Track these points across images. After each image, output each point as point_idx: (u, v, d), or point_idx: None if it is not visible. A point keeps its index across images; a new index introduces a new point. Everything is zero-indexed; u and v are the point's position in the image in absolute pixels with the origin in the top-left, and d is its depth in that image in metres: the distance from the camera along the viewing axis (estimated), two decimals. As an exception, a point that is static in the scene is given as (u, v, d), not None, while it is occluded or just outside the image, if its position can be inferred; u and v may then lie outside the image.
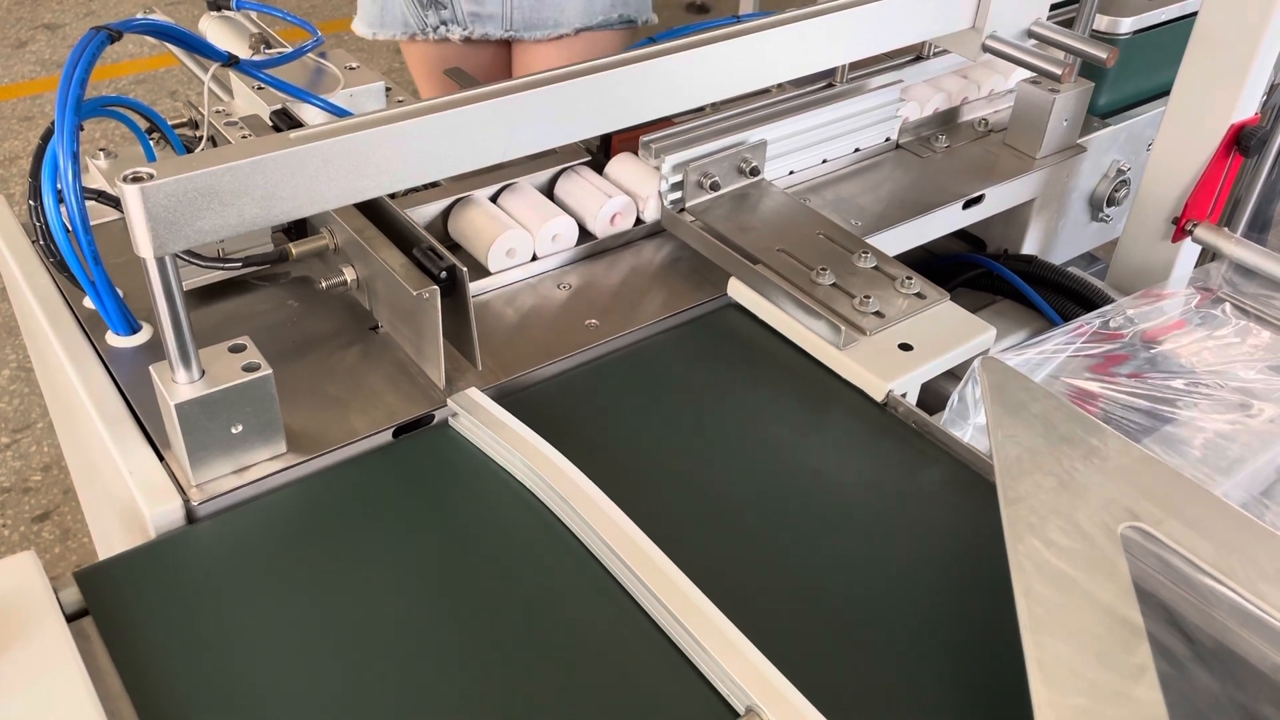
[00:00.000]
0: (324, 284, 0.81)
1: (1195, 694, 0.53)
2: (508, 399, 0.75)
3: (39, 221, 0.77)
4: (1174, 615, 0.56)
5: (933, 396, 0.81)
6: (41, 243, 0.78)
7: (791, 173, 1.02)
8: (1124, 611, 0.52)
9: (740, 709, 0.55)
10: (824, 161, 1.04)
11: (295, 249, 0.82)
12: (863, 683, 0.58)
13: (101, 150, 0.93)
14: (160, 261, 0.61)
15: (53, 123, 0.74)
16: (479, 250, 0.87)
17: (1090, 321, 0.89)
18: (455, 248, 0.90)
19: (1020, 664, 0.51)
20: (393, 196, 0.85)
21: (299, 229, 0.87)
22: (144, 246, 0.60)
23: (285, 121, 0.95)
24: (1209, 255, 1.06)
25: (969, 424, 0.77)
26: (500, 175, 0.92)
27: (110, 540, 0.81)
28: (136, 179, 0.58)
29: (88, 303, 0.81)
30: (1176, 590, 0.57)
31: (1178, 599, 0.57)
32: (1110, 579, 0.54)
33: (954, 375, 0.81)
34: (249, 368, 0.66)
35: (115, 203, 0.83)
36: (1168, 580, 0.58)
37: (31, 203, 0.78)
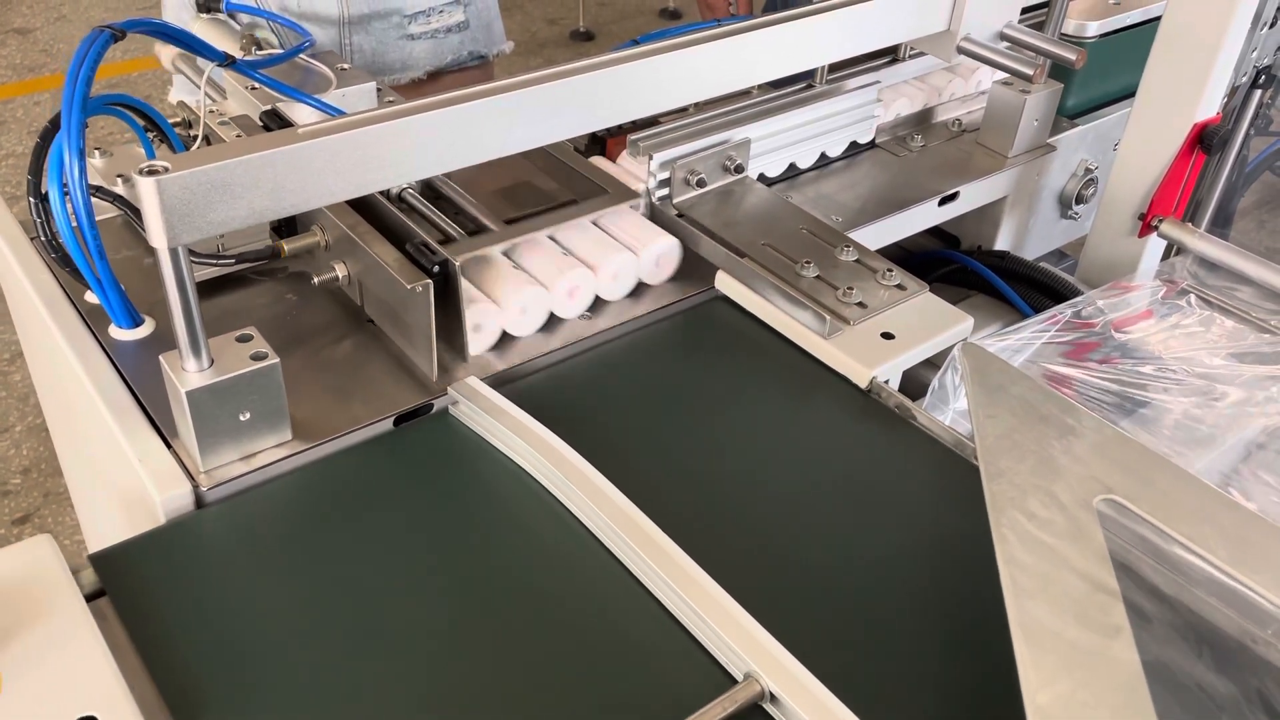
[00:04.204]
0: (316, 280, 0.83)
1: (1167, 653, 0.56)
2: (503, 389, 0.77)
3: (41, 218, 0.79)
4: (1146, 582, 0.59)
5: (912, 384, 0.84)
6: (44, 238, 0.80)
7: (790, 166, 1.05)
8: (1100, 577, 0.56)
9: (739, 675, 0.58)
10: (808, 159, 1.07)
11: (286, 246, 0.83)
12: (853, 649, 0.61)
13: (96, 149, 0.95)
14: (173, 252, 0.63)
15: (53, 120, 0.76)
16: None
17: (1063, 312, 0.93)
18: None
19: (1004, 627, 0.54)
20: (385, 194, 0.87)
21: (290, 227, 0.88)
22: (158, 237, 0.62)
23: (276, 122, 0.96)
24: (1174, 249, 1.10)
25: (949, 409, 0.80)
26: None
27: (110, 532, 0.82)
28: (152, 172, 0.60)
29: (89, 297, 0.83)
30: (1148, 559, 0.60)
31: (1149, 567, 0.60)
32: (1087, 547, 0.57)
33: (933, 364, 0.84)
34: (257, 356, 0.68)
35: (115, 199, 0.85)
36: (1140, 550, 0.61)
37: (32, 199, 0.79)
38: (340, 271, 0.83)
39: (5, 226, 0.92)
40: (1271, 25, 1.32)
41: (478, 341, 0.81)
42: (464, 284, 0.80)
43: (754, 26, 0.84)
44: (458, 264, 0.76)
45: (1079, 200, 1.21)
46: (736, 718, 0.55)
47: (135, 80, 3.35)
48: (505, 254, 0.85)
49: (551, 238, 0.88)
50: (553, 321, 0.85)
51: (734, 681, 0.57)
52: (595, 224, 0.91)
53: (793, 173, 1.07)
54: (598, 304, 0.87)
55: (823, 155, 1.09)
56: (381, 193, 0.85)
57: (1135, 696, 0.49)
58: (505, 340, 0.83)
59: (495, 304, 0.81)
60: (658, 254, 0.88)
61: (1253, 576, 0.59)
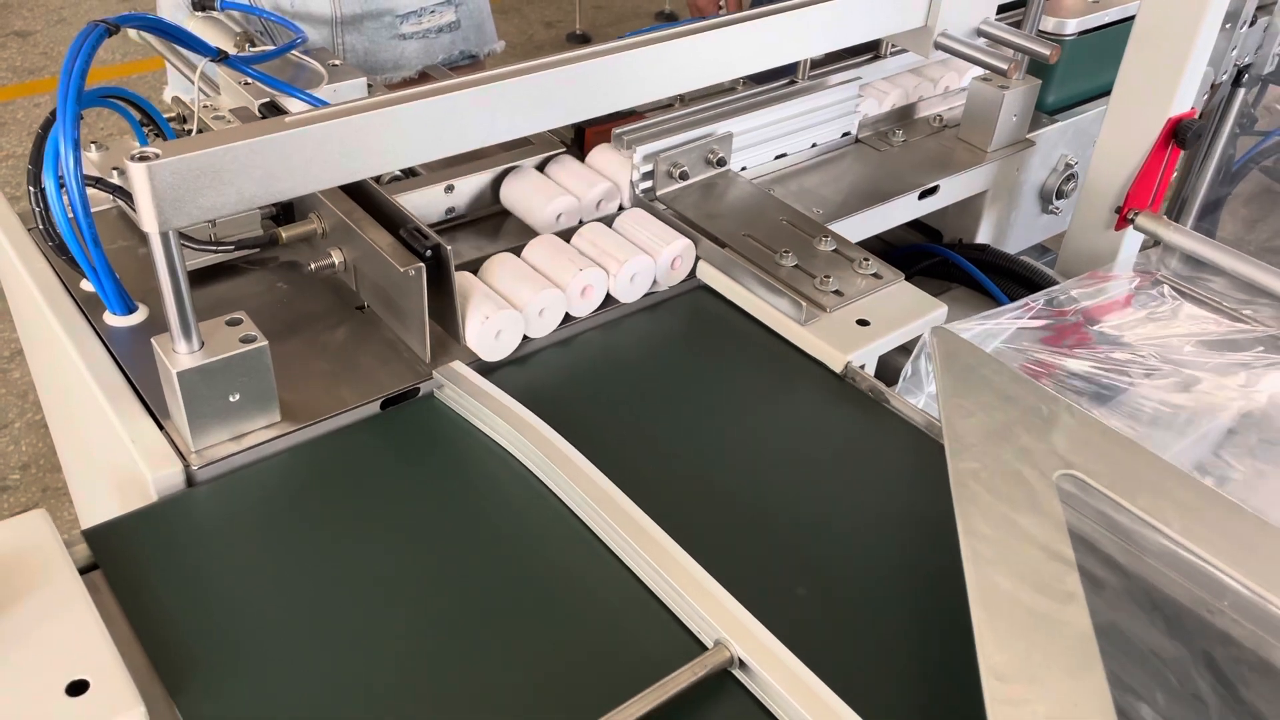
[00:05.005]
0: (312, 266, 0.85)
1: (1121, 619, 0.58)
2: (488, 374, 0.79)
3: (39, 206, 0.81)
4: (1103, 553, 0.61)
5: (888, 370, 0.86)
6: (41, 227, 0.82)
7: (778, 157, 1.07)
8: (1057, 547, 0.58)
9: (709, 643, 0.60)
10: (786, 155, 1.09)
11: (285, 233, 0.86)
12: (821, 618, 0.63)
13: (93, 143, 0.97)
14: (164, 236, 0.65)
15: (53, 113, 0.78)
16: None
17: (1036, 300, 0.95)
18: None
19: (964, 595, 0.56)
20: (378, 180, 0.89)
21: (287, 214, 0.91)
22: (149, 222, 0.64)
23: (274, 113, 0.99)
24: (1156, 242, 1.12)
25: (922, 394, 0.82)
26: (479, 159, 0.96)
27: (106, 515, 0.84)
28: (144, 158, 0.62)
29: (85, 285, 0.85)
30: (1106, 532, 0.62)
31: (1107, 540, 0.62)
32: (1045, 519, 0.59)
33: (907, 350, 0.86)
34: (246, 339, 0.70)
35: (111, 189, 0.87)
36: (1099, 524, 0.63)
37: (31, 189, 0.81)
38: (337, 258, 0.85)
39: (4, 219, 0.94)
40: (1251, 24, 1.35)
41: (500, 347, 0.81)
42: (481, 287, 0.82)
43: (735, 21, 0.86)
44: (449, 249, 0.78)
45: (1059, 195, 1.23)
46: (706, 682, 0.57)
47: (134, 82, 3.37)
48: (518, 255, 0.87)
49: (564, 239, 0.90)
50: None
51: (704, 648, 0.59)
52: (610, 225, 0.92)
53: (775, 166, 1.09)
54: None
55: (805, 149, 1.11)
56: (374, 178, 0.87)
57: (1085, 657, 0.51)
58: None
59: (517, 309, 0.81)
60: (673, 256, 0.90)
61: (1208, 549, 0.61)
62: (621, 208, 0.98)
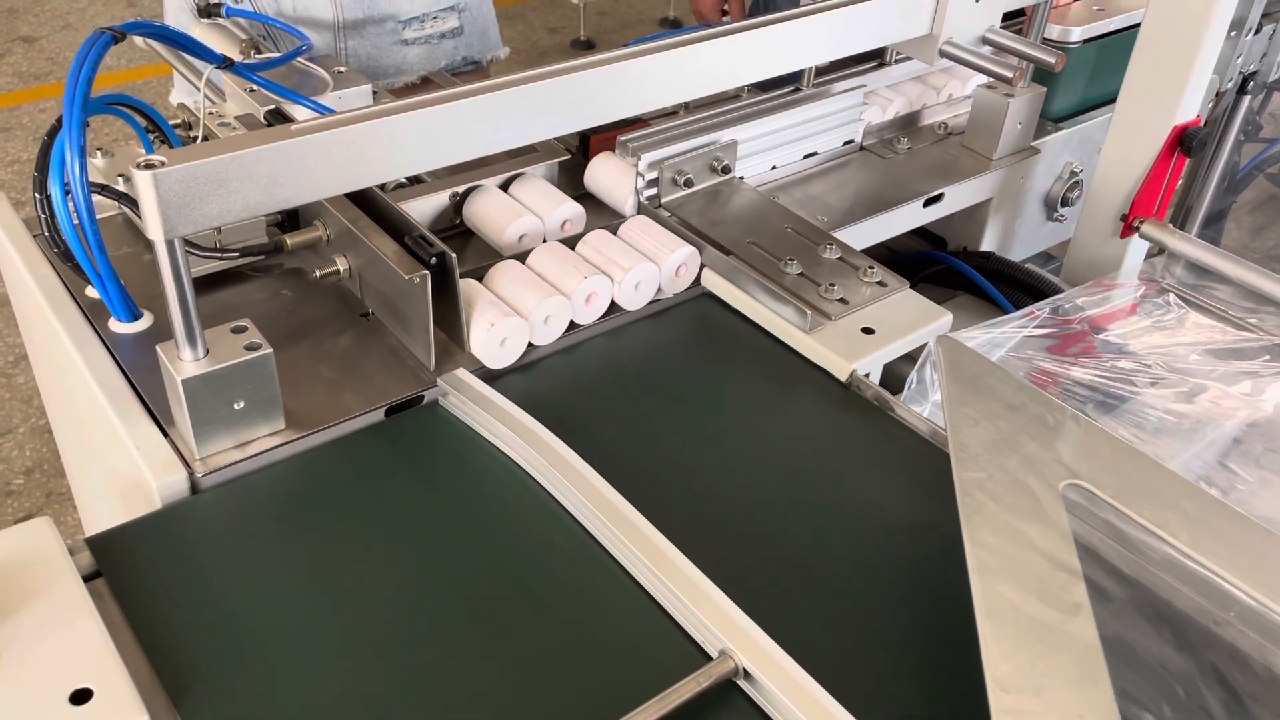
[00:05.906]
0: (317, 273, 0.85)
1: (1128, 631, 0.58)
2: (492, 381, 0.79)
3: (45, 213, 0.81)
4: (1109, 564, 0.61)
5: (893, 379, 0.86)
6: (46, 234, 0.82)
7: (773, 167, 1.07)
8: (1062, 557, 0.57)
9: (714, 652, 0.59)
10: (789, 163, 1.09)
11: (290, 240, 0.86)
12: (826, 628, 0.63)
13: (99, 150, 0.97)
14: (169, 244, 0.65)
15: (58, 119, 0.78)
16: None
17: (1042, 308, 0.95)
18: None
19: (970, 605, 0.56)
20: (383, 188, 0.89)
21: (292, 221, 0.91)
22: (154, 229, 0.64)
23: (280, 120, 0.99)
24: (1161, 250, 1.12)
25: (927, 402, 0.82)
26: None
27: (110, 522, 0.84)
28: (149, 166, 0.62)
29: (90, 292, 0.85)
30: (1112, 543, 0.62)
31: (1113, 550, 0.62)
32: (1051, 529, 0.59)
33: (912, 359, 0.86)
34: (250, 347, 0.71)
35: (117, 196, 0.87)
36: (1105, 534, 0.63)
37: (37, 195, 0.81)
38: (341, 265, 0.85)
39: (9, 225, 0.94)
40: (1256, 31, 1.35)
41: (504, 354, 0.81)
42: (486, 294, 0.82)
43: (739, 29, 0.86)
44: (454, 256, 0.78)
45: (1064, 203, 1.23)
46: (710, 693, 0.57)
47: (140, 87, 3.38)
48: (523, 262, 0.87)
49: (571, 245, 0.89)
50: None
51: (708, 658, 0.59)
52: (615, 233, 0.92)
53: (780, 174, 1.09)
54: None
55: (810, 157, 1.11)
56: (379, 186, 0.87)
57: (1091, 668, 0.51)
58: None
59: (522, 316, 0.81)
60: (677, 263, 0.89)
61: (1215, 559, 0.60)
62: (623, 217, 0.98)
